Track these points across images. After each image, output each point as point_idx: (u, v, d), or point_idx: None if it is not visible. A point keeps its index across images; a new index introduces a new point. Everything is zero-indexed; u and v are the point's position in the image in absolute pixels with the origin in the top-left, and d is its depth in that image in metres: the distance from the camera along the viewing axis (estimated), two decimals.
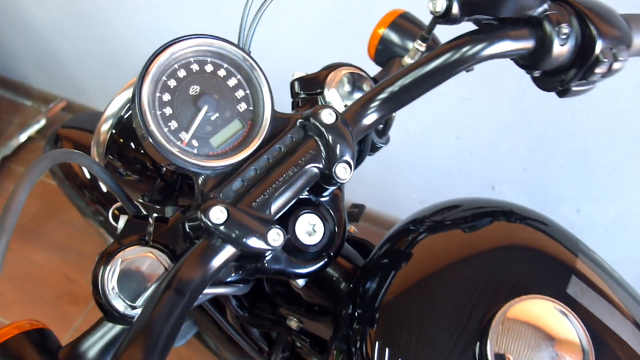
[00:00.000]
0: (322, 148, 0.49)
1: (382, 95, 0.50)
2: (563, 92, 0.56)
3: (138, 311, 0.46)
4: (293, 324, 0.64)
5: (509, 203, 0.58)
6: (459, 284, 0.50)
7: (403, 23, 0.65)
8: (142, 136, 0.47)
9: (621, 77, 0.59)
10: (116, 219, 0.59)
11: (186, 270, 0.42)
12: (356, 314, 0.53)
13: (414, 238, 0.57)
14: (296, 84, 0.59)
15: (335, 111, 0.49)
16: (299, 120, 0.50)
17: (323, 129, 0.49)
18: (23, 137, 2.03)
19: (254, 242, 0.45)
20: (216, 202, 0.44)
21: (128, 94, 0.63)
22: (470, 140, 1.52)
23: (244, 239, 0.44)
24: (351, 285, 0.58)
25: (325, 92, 0.58)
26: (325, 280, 0.59)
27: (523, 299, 0.46)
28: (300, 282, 0.55)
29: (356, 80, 0.59)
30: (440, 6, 0.50)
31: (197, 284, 0.42)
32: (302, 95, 0.59)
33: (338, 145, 0.49)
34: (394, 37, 0.65)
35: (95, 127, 1.09)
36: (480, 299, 0.48)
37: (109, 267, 0.46)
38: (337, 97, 0.58)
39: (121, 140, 0.63)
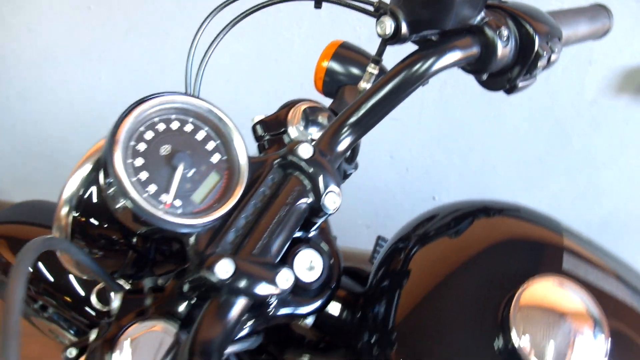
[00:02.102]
0: (306, 183, 0.49)
1: (351, 120, 0.51)
2: (511, 90, 0.59)
3: None
4: None
5: (481, 200, 0.60)
6: (464, 286, 0.51)
7: (345, 52, 0.67)
8: (120, 208, 0.44)
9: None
10: (103, 300, 0.55)
11: (206, 331, 0.40)
12: (373, 339, 0.52)
13: (406, 255, 0.57)
14: (258, 127, 0.59)
15: (311, 144, 0.49)
16: (276, 161, 0.50)
17: (303, 164, 0.48)
18: None
19: (265, 289, 0.43)
20: (219, 256, 0.42)
21: (83, 172, 0.59)
22: (404, 157, 1.57)
23: (255, 288, 0.42)
24: (359, 314, 0.57)
25: (289, 129, 0.58)
26: (329, 314, 0.57)
27: (530, 283, 0.47)
28: (309, 320, 0.53)
29: (315, 113, 0.59)
30: (389, 28, 0.52)
31: (220, 343, 0.40)
32: (267, 137, 0.58)
33: (321, 177, 0.48)
34: (339, 67, 0.67)
35: (31, 217, 1.01)
36: (488, 295, 0.49)
37: (116, 353, 0.43)
38: (301, 133, 0.58)
39: (83, 220, 0.59)
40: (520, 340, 0.45)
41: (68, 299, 0.96)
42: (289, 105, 0.60)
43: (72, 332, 1.11)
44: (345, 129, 0.51)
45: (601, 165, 1.41)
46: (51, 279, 0.96)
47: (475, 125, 1.42)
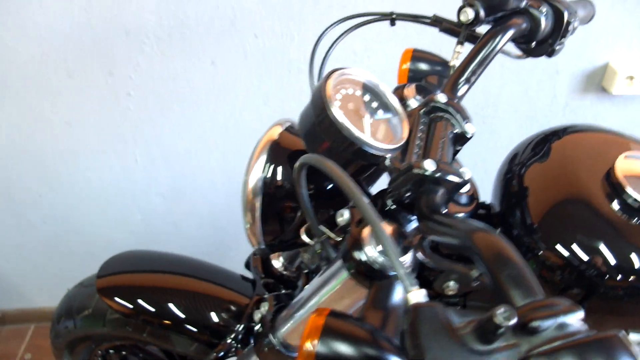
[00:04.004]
0: (448, 117, 0.67)
1: (462, 75, 0.72)
2: (551, 53, 0.82)
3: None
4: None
5: (545, 130, 0.80)
6: (572, 180, 0.70)
7: (419, 54, 0.89)
8: (340, 145, 0.61)
9: None
10: (309, 235, 0.69)
11: (425, 203, 0.56)
12: (521, 234, 0.68)
13: (518, 181, 0.75)
14: None
15: (444, 93, 0.69)
16: (422, 110, 0.69)
17: (444, 106, 0.68)
18: None
19: (456, 178, 0.60)
20: (422, 160, 0.59)
21: (260, 163, 0.74)
22: None
23: (449, 177, 0.59)
24: (498, 229, 0.73)
25: (409, 101, 0.77)
26: None
27: (619, 159, 0.67)
28: None
29: (423, 89, 0.79)
30: (471, 15, 0.74)
31: (440, 199, 0.56)
32: None
33: (459, 113, 0.67)
34: (416, 66, 0.89)
35: (130, 266, 1.12)
36: (592, 177, 0.68)
37: (368, 247, 0.57)
38: (417, 103, 0.77)
39: (269, 199, 0.74)
40: (635, 194, 0.63)
41: (168, 322, 1.06)
42: (400, 88, 0.79)
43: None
44: (460, 80, 0.71)
45: None
46: (152, 309, 1.07)
47: (474, 144, 1.65)
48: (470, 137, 0.68)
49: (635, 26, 1.44)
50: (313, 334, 0.47)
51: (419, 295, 0.40)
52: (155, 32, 1.41)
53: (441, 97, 0.68)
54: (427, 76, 0.89)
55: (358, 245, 0.57)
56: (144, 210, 1.81)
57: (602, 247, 0.63)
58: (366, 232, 0.58)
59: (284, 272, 1.10)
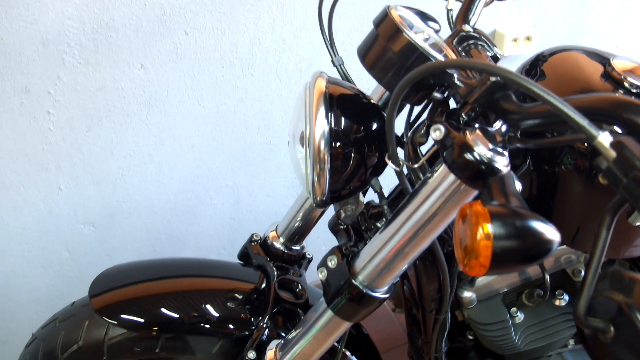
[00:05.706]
0: (477, 43, 0.76)
1: (470, 10, 0.81)
2: None
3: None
4: None
5: (524, 63, 0.92)
6: (578, 84, 0.82)
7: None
8: (415, 64, 0.66)
9: None
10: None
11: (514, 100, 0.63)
12: None
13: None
14: None
15: (469, 25, 0.77)
16: (454, 40, 0.76)
17: (473, 34, 0.76)
18: None
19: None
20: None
21: (321, 114, 0.75)
22: None
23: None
24: None
25: None
26: None
27: (612, 61, 0.81)
28: None
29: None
30: None
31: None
32: None
33: (486, 38, 0.76)
34: None
35: (123, 279, 1.04)
36: (596, 79, 0.81)
37: (478, 145, 0.61)
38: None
39: (337, 143, 0.75)
40: (635, 82, 0.77)
41: (186, 326, 0.99)
42: None
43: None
44: (469, 12, 0.81)
45: None
46: (165, 316, 1.00)
47: None
48: (500, 59, 0.77)
49: None
50: (482, 220, 0.50)
51: (607, 136, 0.47)
52: (78, 39, 1.31)
53: (467, 27, 0.76)
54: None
55: (468, 148, 0.61)
56: (71, 244, 1.63)
57: None
58: (470, 135, 0.63)
59: (285, 251, 1.10)
